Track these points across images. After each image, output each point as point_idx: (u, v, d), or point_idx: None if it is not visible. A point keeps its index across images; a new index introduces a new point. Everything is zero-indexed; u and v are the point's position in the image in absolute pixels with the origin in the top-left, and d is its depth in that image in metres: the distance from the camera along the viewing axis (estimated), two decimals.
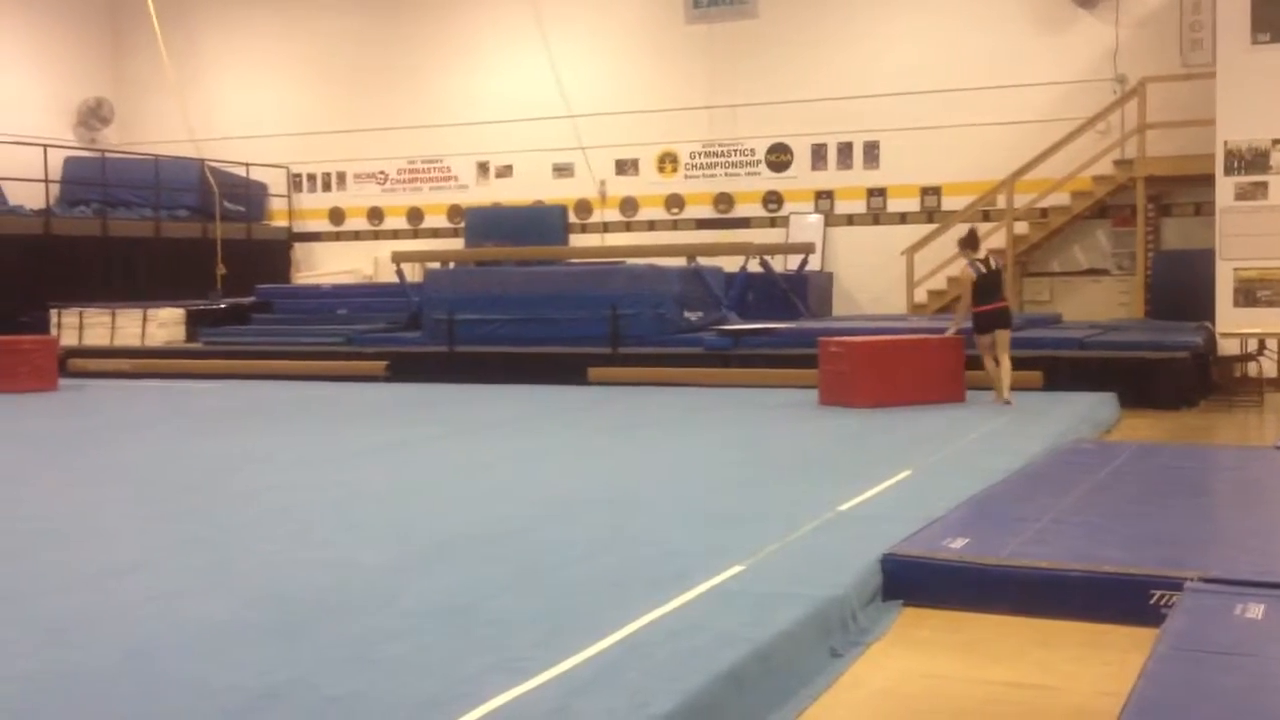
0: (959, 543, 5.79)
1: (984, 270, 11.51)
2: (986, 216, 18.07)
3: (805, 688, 4.52)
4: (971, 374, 11.81)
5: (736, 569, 5.46)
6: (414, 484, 8.19)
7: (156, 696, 4.00)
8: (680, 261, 16.36)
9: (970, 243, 11.70)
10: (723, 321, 15.56)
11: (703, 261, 16.45)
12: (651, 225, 20.69)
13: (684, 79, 20.26)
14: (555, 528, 6.64)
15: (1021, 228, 17.91)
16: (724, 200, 20.28)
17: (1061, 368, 12.82)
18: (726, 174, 20.26)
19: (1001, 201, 17.81)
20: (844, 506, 6.84)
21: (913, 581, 5.53)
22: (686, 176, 20.50)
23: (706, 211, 20.41)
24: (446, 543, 6.28)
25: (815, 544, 6.00)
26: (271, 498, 7.70)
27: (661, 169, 20.65)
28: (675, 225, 20.51)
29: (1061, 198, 17.74)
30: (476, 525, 6.71)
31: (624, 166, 20.84)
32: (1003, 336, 11.51)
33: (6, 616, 4.99)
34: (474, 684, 4.02)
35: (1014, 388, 11.59)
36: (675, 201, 20.58)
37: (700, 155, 20.41)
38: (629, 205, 20.88)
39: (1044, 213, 17.90)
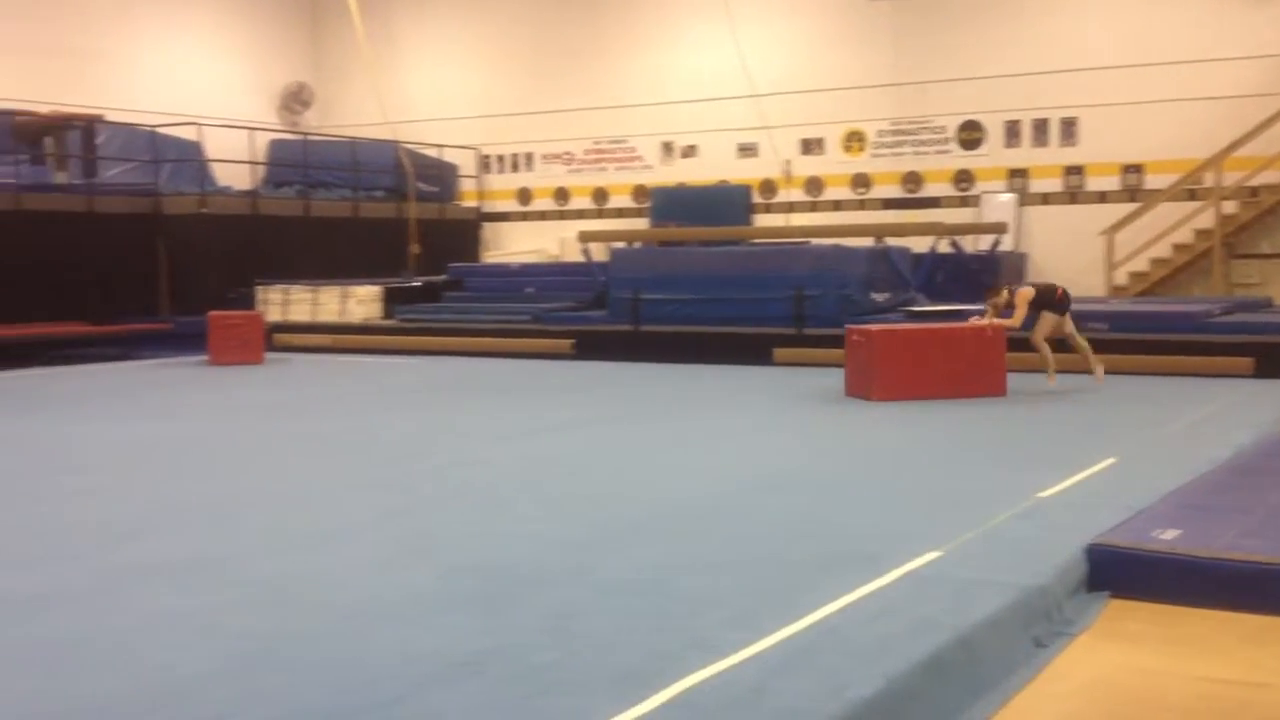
0: (1170, 534, 5.56)
1: (1039, 286, 11.62)
2: (1193, 195, 17.30)
3: (1008, 678, 4.40)
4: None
5: (933, 554, 5.35)
6: (603, 461, 8.28)
7: (365, 661, 4.13)
8: (867, 242, 16.11)
9: (994, 292, 11.54)
10: (911, 303, 15.27)
11: (890, 242, 16.16)
12: (837, 205, 20.45)
13: (871, 55, 19.94)
14: (744, 507, 6.64)
15: (1230, 207, 17.10)
16: (912, 179, 19.90)
17: (1273, 354, 12.20)
18: (915, 152, 19.88)
19: (1209, 180, 17.01)
20: (1044, 493, 6.64)
21: (1120, 573, 5.33)
22: (873, 155, 20.19)
23: (894, 191, 20.06)
24: (638, 520, 6.33)
25: (1015, 531, 5.84)
26: (466, 471, 7.89)
27: (848, 148, 20.38)
28: (862, 205, 20.23)
29: (1273, 176, 16.86)
30: (666, 503, 6.75)
31: (809, 146, 20.65)
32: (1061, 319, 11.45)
33: (226, 577, 5.23)
34: (671, 660, 4.04)
35: (1220, 374, 11.28)
36: (862, 181, 20.29)
37: (888, 133, 20.07)
38: (814, 185, 20.68)
39: (1254, 191, 17.05)
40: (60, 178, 18.66)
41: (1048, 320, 11.37)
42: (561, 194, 22.87)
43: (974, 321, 11.44)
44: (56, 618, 4.65)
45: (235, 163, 20.76)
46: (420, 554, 5.63)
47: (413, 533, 6.10)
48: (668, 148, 21.87)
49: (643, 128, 21.86)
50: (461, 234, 22.83)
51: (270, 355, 15.92)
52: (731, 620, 4.47)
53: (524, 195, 23.28)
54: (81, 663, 4.13)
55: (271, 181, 21.66)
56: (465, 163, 23.46)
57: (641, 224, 21.25)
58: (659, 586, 5.00)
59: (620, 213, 22.16)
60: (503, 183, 23.50)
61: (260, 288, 18.42)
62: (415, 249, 20.88)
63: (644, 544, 5.80)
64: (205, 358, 15.41)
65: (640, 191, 21.94)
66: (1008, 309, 11.18)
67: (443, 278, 19.15)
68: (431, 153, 22.77)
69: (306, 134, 22.94)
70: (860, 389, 11.10)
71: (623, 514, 6.47)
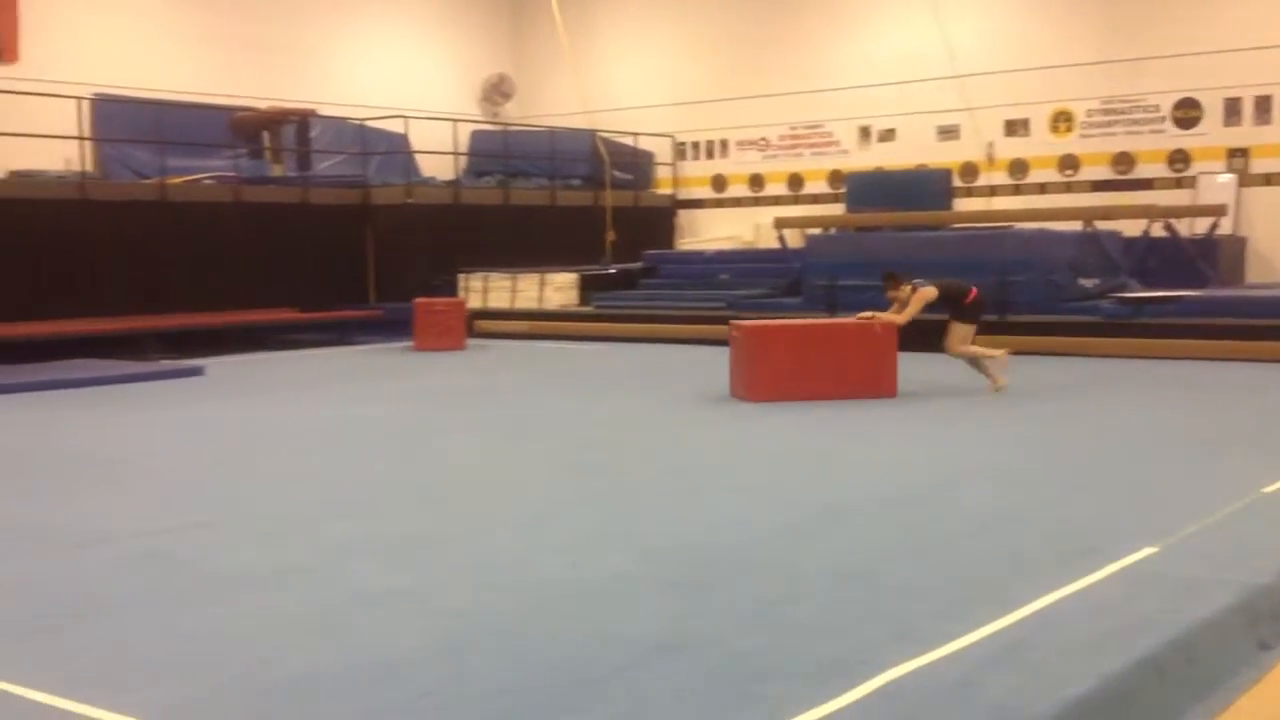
0: None
1: (943, 286, 10.46)
2: None
3: (1230, 680, 4.20)
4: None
5: (1149, 550, 5.14)
6: (802, 448, 8.22)
7: (571, 641, 4.19)
8: (1074, 226, 15.56)
9: (894, 284, 10.57)
10: (1122, 289, 14.70)
11: (1100, 225, 15.57)
12: (1043, 188, 19.80)
13: (1080, 32, 19.22)
14: (948, 497, 6.50)
15: None
16: (1123, 160, 19.12)
17: None
18: (1127, 132, 19.09)
19: None
20: (1269, 489, 6.31)
21: None
22: (1082, 136, 19.47)
23: (1104, 172, 19.31)
24: (840, 508, 6.26)
25: (1237, 527, 5.57)
26: (666, 456, 7.94)
27: (1055, 128, 19.70)
28: (1069, 188, 19.53)
29: None
30: (868, 492, 6.66)
31: (1014, 127, 20.04)
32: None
33: (435, 557, 5.39)
34: (877, 650, 3.98)
35: None
36: (1069, 163, 19.59)
37: (1097, 113, 19.32)
38: (1019, 167, 20.07)
39: None
40: (276, 171, 19.51)
41: (958, 331, 10.46)
42: (756, 180, 22.77)
43: (860, 317, 10.55)
44: (275, 593, 4.86)
45: (439, 154, 21.35)
46: (623, 537, 5.69)
47: (614, 516, 6.17)
48: (865, 132, 21.53)
49: (839, 112, 21.58)
50: (656, 221, 22.97)
51: (471, 341, 16.33)
52: (939, 612, 4.38)
53: (719, 182, 23.26)
54: (299, 637, 4.31)
55: (473, 171, 22.19)
56: (661, 150, 23.58)
57: (837, 210, 20.99)
58: (864, 576, 4.93)
59: (816, 199, 21.94)
60: (698, 170, 23.53)
61: (462, 275, 18.90)
62: (611, 236, 21.11)
63: (847, 533, 5.74)
64: (410, 343, 15.91)
65: (836, 177, 21.67)
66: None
67: (638, 265, 19.31)
68: (627, 141, 22.97)
69: (507, 125, 23.43)
70: (739, 389, 10.34)
71: (824, 502, 6.41)
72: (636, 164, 23.00)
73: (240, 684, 3.84)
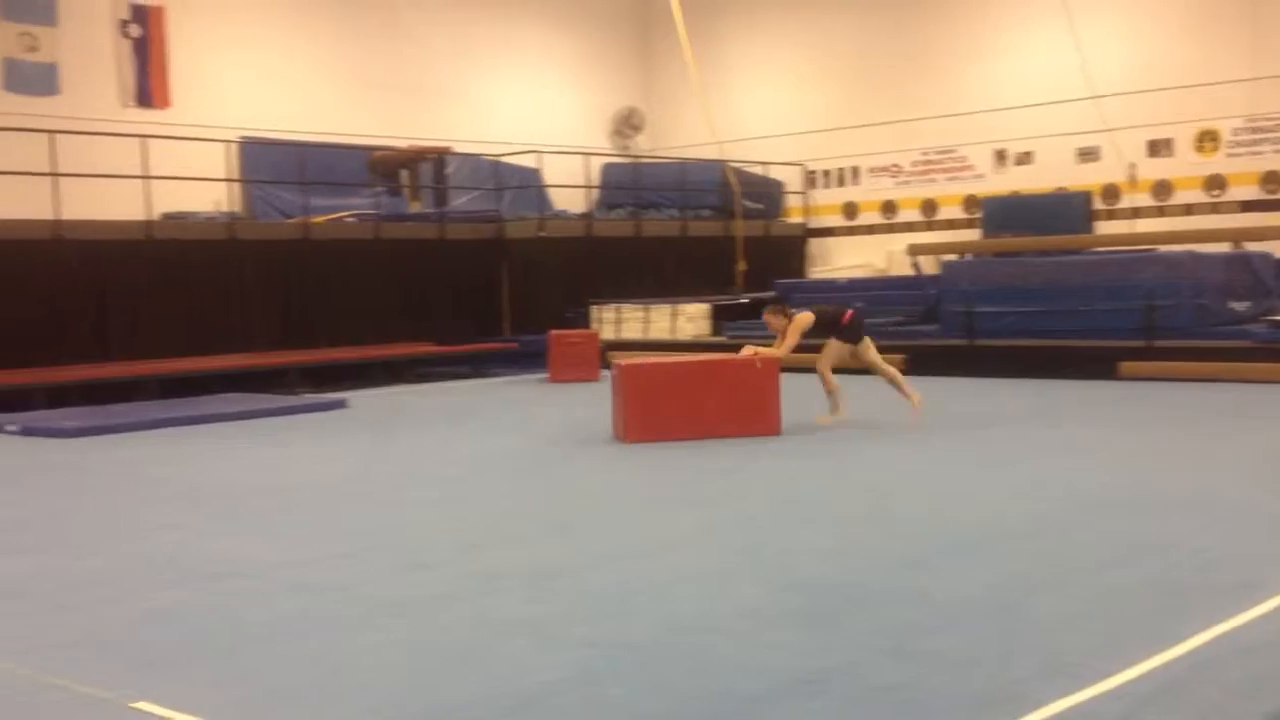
0: None
1: (818, 311, 10.42)
2: None
3: None
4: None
5: None
6: (933, 476, 8.06)
7: (701, 674, 4.15)
8: (1222, 248, 15.04)
9: (774, 313, 10.42)
10: (1274, 312, 14.14)
11: (1249, 247, 15.02)
12: (1188, 209, 19.20)
13: (1223, 49, 18.64)
14: (1089, 526, 6.30)
15: None
16: (1273, 179, 18.45)
17: None
18: (1276, 150, 18.42)
19: None
20: None
21: None
22: (1229, 155, 18.85)
23: (1252, 192, 18.66)
24: (976, 537, 6.11)
25: None
26: (791, 485, 7.85)
27: (1200, 148, 19.11)
28: (1215, 209, 18.91)
29: None
30: (1005, 520, 6.49)
31: (1156, 147, 19.50)
32: (870, 345, 10.50)
33: (568, 587, 5.40)
34: (1025, 686, 3.86)
35: None
36: (1216, 183, 18.98)
37: (1244, 131, 18.70)
38: (1162, 189, 19.50)
39: None
40: (414, 208, 19.94)
41: (833, 349, 10.36)
42: (889, 207, 22.53)
43: (746, 352, 10.16)
44: (416, 623, 4.91)
45: (571, 187, 21.60)
46: (752, 568, 5.63)
47: (743, 547, 6.11)
48: (1000, 155, 21.17)
49: (973, 136, 21.25)
50: (787, 250, 22.87)
51: (605, 373, 16.39)
52: (1091, 647, 4.23)
53: (850, 209, 23.08)
54: (440, 666, 4.34)
55: (605, 204, 22.38)
56: (791, 179, 23.50)
57: (973, 235, 20.63)
58: (1006, 608, 4.80)
59: (950, 224, 21.62)
60: (828, 198, 23.39)
61: (595, 307, 19.04)
62: (742, 266, 21.06)
63: (980, 563, 5.60)
64: (545, 375, 16.07)
65: (971, 202, 21.32)
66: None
67: (769, 294, 19.19)
68: (757, 170, 22.94)
69: (638, 157, 23.60)
70: (618, 428, 10.02)
71: (959, 531, 6.26)
72: (767, 193, 22.96)
73: (383, 713, 3.88)
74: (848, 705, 3.81)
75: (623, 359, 10.53)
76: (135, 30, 18.57)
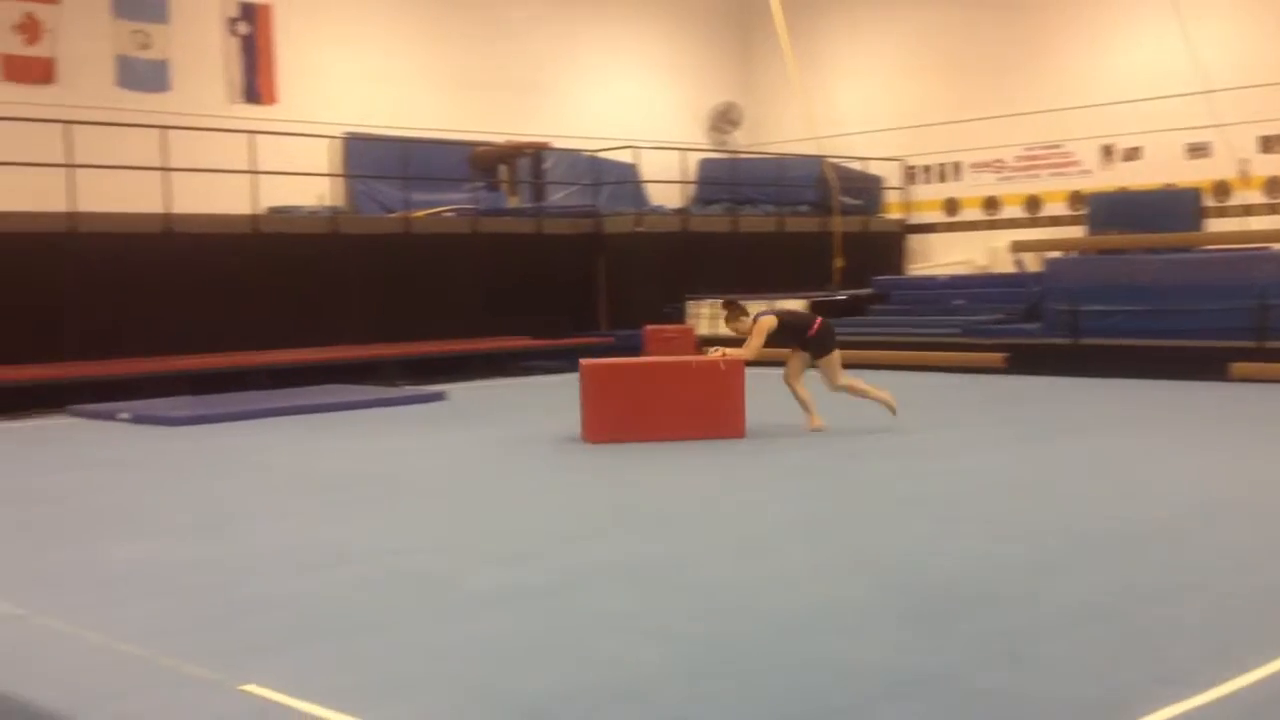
0: None
1: (784, 316, 10.01)
2: None
3: None
4: None
5: None
6: (1043, 478, 7.92)
7: (804, 672, 4.13)
8: None
9: (735, 312, 10.05)
10: None
11: None
12: None
13: None
14: (1204, 532, 6.15)
15: None
16: None
17: None
18: None
19: None
20: None
21: None
22: None
23: None
24: (1086, 541, 6.00)
25: None
26: (899, 485, 7.77)
27: None
28: None
29: None
30: (1116, 525, 6.36)
31: (1270, 143, 18.96)
32: (836, 359, 10.04)
33: (670, 581, 5.40)
34: (1136, 693, 3.78)
35: None
36: None
37: None
38: (1275, 185, 18.95)
39: None
40: (513, 202, 20.10)
41: (797, 360, 9.98)
42: (991, 203, 22.19)
43: (713, 354, 9.91)
44: (516, 613, 4.95)
45: (668, 183, 21.61)
46: (859, 566, 5.59)
47: (851, 545, 6.07)
48: (1107, 151, 20.73)
49: (1079, 131, 20.84)
50: (886, 247, 22.65)
51: None
52: (1203, 654, 4.13)
53: (951, 206, 22.78)
54: (540, 657, 4.37)
55: (701, 199, 22.36)
56: (890, 175, 23.27)
57: (1077, 232, 20.24)
58: (1116, 614, 4.70)
59: (1054, 221, 21.22)
60: (929, 193, 23.11)
61: (691, 302, 19.03)
62: (840, 263, 20.90)
63: (1094, 568, 5.48)
64: None
65: (1076, 198, 20.92)
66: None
67: (867, 291, 19.06)
68: (856, 166, 22.74)
69: (735, 152, 23.53)
70: (582, 430, 9.87)
71: (1069, 534, 6.15)
72: (865, 189, 22.76)
73: (483, 701, 3.92)
74: (953, 708, 3.76)
75: (589, 361, 10.35)
76: (243, 28, 18.96)
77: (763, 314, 9.87)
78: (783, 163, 22.07)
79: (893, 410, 10.18)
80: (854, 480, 8.06)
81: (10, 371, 13.42)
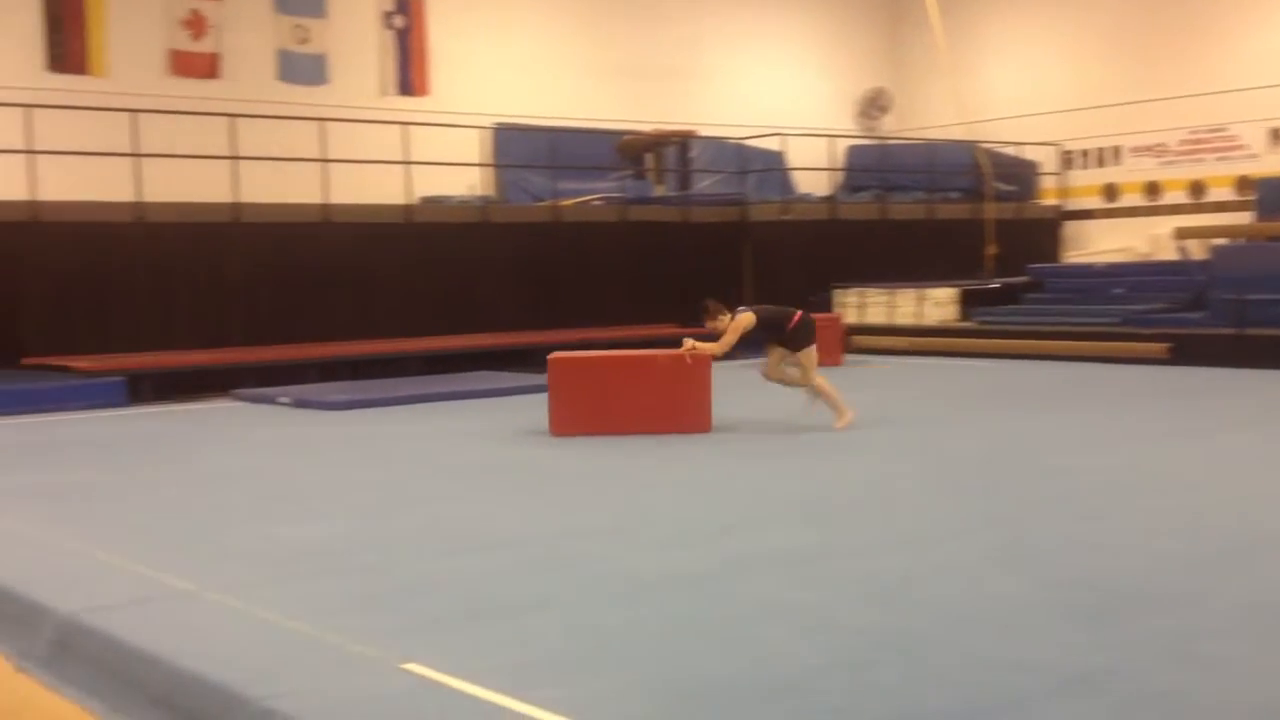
0: None
1: (762, 312, 9.68)
2: None
3: None
4: None
5: None
6: (1207, 474, 7.63)
7: (969, 666, 4.04)
8: None
9: (714, 310, 9.73)
10: None
11: None
12: None
13: None
14: None
15: None
16: None
17: None
18: None
19: None
20: None
21: None
22: None
23: None
24: (1258, 539, 5.75)
25: None
26: (1059, 480, 7.56)
27: None
28: None
29: None
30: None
31: None
32: (813, 353, 9.74)
33: (832, 573, 5.34)
34: None
35: None
36: None
37: None
38: None
39: None
40: (659, 191, 20.13)
41: (775, 356, 9.74)
42: (1152, 189, 21.43)
43: (685, 346, 9.72)
44: (676, 599, 4.95)
45: (815, 170, 21.40)
46: (1022, 562, 5.45)
47: (1012, 540, 5.92)
48: (1275, 134, 19.84)
49: (1247, 113, 19.98)
50: (1041, 234, 22.06)
51: (848, 357, 16.21)
52: None
53: (1109, 191, 22.06)
54: (701, 644, 4.36)
55: (849, 186, 22.08)
56: (1046, 160, 22.65)
57: (1244, 219, 19.42)
58: None
59: (1219, 207, 20.39)
60: (1086, 179, 22.42)
61: (838, 290, 18.82)
62: (992, 250, 20.44)
63: (1263, 565, 5.25)
64: None
65: (1244, 183, 20.06)
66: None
67: (1021, 279, 18.61)
68: (1010, 151, 22.20)
69: (884, 138, 23.19)
70: (549, 423, 9.79)
71: (1238, 533, 5.91)
72: (1019, 174, 22.20)
73: (645, 685, 3.92)
74: (1122, 707, 3.64)
75: (563, 355, 10.31)
76: (398, 21, 19.35)
77: (740, 310, 9.76)
78: (933, 148, 21.66)
79: (845, 425, 9.77)
80: (1005, 475, 7.86)
81: (178, 357, 13.95)
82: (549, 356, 10.07)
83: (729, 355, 9.91)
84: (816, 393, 9.89)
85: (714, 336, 9.77)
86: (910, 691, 3.80)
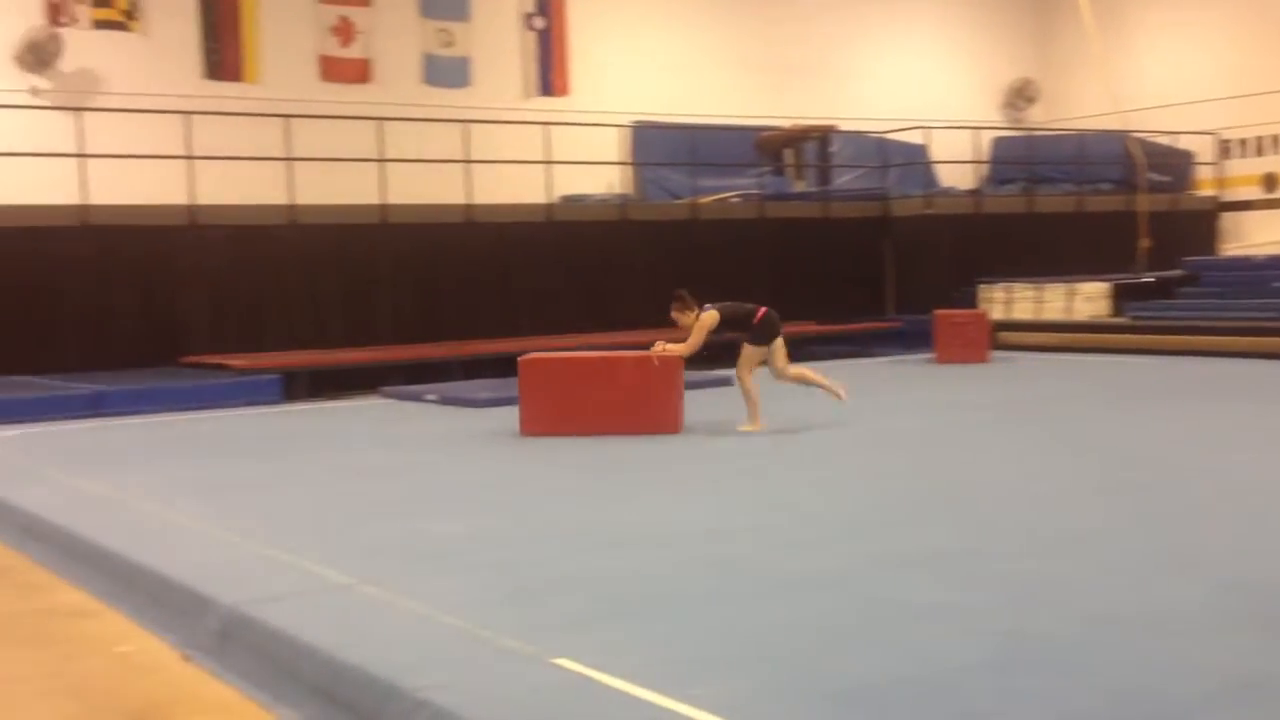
0: None
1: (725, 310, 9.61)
2: None
3: None
4: None
5: None
6: None
7: (1127, 671, 3.91)
8: None
9: (683, 304, 9.68)
10: None
11: None
12: None
13: None
14: None
15: None
16: None
17: None
18: None
19: None
20: None
21: None
22: None
23: None
24: None
25: None
26: (1221, 481, 7.28)
27: None
28: None
29: None
30: None
31: None
32: (780, 346, 9.72)
33: (978, 573, 5.23)
34: None
35: None
36: None
37: None
38: None
39: None
40: (798, 187, 19.98)
41: (748, 354, 9.62)
42: None
43: (656, 348, 9.73)
44: (825, 598, 4.89)
45: (959, 163, 21.00)
46: (1183, 564, 5.27)
47: (1172, 542, 5.73)
48: None
49: None
50: (1196, 225, 21.30)
51: (994, 354, 15.88)
52: None
53: (1269, 181, 21.21)
54: (850, 644, 4.31)
55: (994, 180, 21.63)
56: (1201, 149, 21.86)
57: None
58: None
59: None
60: (1244, 168, 21.60)
61: (983, 286, 18.45)
62: (1145, 243, 19.79)
63: None
64: (931, 356, 15.72)
65: None
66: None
67: (1176, 273, 18.01)
68: (1163, 141, 21.49)
69: (1031, 129, 22.65)
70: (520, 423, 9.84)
71: None
72: (1173, 165, 21.48)
73: (791, 686, 3.88)
74: None
75: (536, 356, 10.32)
76: (539, 22, 19.57)
77: (705, 309, 9.66)
78: (1083, 139, 21.08)
79: (841, 399, 9.84)
80: (1163, 474, 7.60)
81: (329, 355, 14.33)
82: (519, 358, 10.17)
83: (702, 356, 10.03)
84: (806, 383, 9.99)
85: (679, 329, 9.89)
86: (1064, 697, 3.70)
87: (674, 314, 9.78)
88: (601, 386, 9.77)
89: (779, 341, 9.74)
